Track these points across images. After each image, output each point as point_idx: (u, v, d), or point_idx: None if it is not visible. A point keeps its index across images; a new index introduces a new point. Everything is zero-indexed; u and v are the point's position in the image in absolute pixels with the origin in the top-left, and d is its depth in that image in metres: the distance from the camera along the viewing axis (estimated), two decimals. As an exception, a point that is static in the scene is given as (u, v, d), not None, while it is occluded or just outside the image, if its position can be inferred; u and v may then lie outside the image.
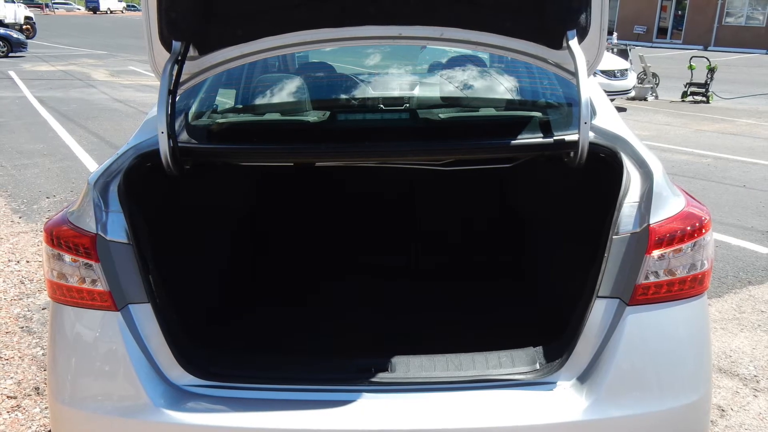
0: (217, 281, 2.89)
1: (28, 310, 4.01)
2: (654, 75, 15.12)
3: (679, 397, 1.87)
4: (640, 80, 14.77)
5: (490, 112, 2.65)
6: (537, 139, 2.23)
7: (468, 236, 3.47)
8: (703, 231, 1.90)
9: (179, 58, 2.16)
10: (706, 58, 14.86)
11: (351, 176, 3.38)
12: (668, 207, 1.90)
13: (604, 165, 2.16)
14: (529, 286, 3.08)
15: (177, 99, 2.21)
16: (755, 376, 3.42)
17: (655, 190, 1.91)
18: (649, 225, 1.86)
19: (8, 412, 3.02)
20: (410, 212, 3.46)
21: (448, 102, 2.81)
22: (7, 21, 26.95)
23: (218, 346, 2.39)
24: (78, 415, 1.92)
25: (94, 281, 1.90)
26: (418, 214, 3.47)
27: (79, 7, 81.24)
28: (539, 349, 2.06)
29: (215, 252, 2.90)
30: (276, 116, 2.68)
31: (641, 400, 1.84)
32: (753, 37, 32.81)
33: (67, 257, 1.93)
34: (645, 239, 1.85)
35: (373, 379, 1.93)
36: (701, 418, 1.95)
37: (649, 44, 34.20)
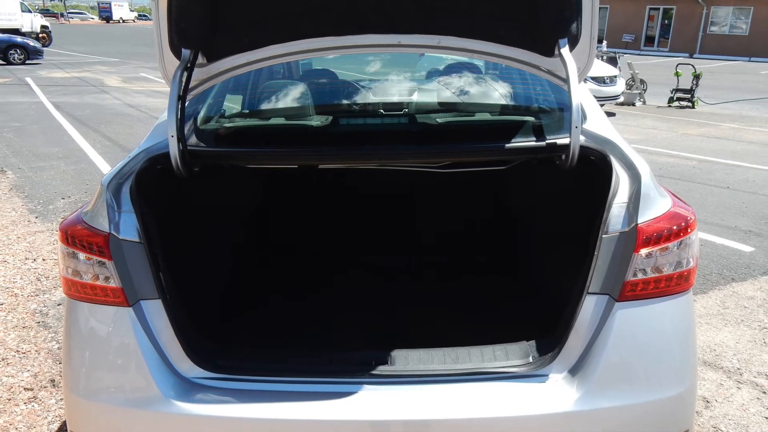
0: (225, 278, 2.89)
1: (44, 306, 4.01)
2: (642, 81, 15.13)
3: (665, 389, 1.87)
4: (629, 86, 14.77)
5: (485, 116, 2.65)
6: (530, 142, 2.23)
7: (464, 235, 3.46)
8: (689, 230, 1.90)
9: (188, 65, 2.16)
10: (692, 65, 14.86)
11: (352, 178, 3.38)
12: (655, 207, 1.90)
13: (594, 167, 2.15)
14: (522, 284, 3.08)
15: (186, 104, 2.21)
16: (738, 368, 3.42)
17: (642, 191, 1.91)
18: (637, 224, 1.86)
19: (25, 403, 3.02)
20: (409, 212, 3.46)
21: (445, 107, 2.81)
22: (24, 30, 26.97)
23: (226, 340, 2.39)
24: (92, 406, 1.92)
25: (107, 278, 1.90)
26: (417, 214, 3.47)
27: (92, 16, 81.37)
28: (532, 343, 2.06)
29: (222, 250, 2.90)
30: (281, 121, 2.68)
31: (630, 392, 1.84)
32: (736, 45, 32.82)
33: (82, 255, 1.93)
34: (633, 238, 1.85)
35: (374, 372, 1.93)
36: (687, 408, 1.95)
37: (637, 52, 34.16)
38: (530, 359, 1.98)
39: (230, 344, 2.35)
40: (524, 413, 1.81)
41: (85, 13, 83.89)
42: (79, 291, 1.95)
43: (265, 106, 2.87)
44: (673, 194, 2.06)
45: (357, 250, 3.41)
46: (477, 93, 2.96)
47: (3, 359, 3.39)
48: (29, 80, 17.03)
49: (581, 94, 2.22)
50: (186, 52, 2.16)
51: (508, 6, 2.22)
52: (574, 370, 1.88)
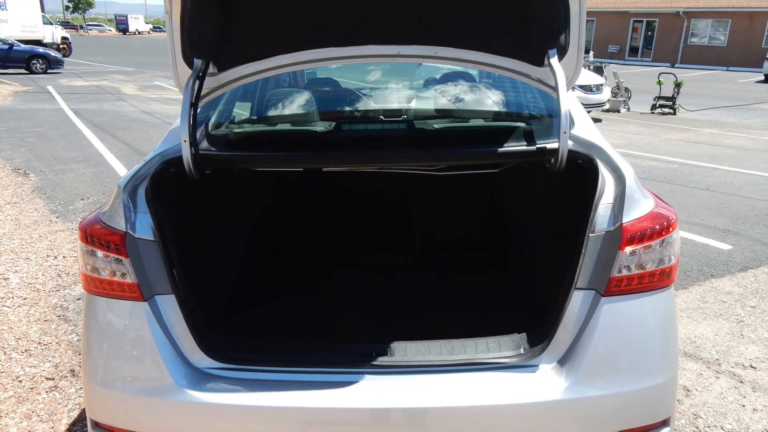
0: (234, 275, 2.89)
1: (65, 301, 4.01)
2: (626, 89, 15.12)
3: (648, 379, 1.87)
4: (614, 94, 14.78)
5: (479, 122, 2.65)
6: (521, 147, 2.23)
7: (460, 234, 3.46)
8: (671, 229, 1.90)
9: (200, 74, 2.16)
10: (673, 75, 14.87)
11: (354, 180, 3.38)
12: (639, 208, 1.90)
13: (582, 170, 2.15)
14: (514, 280, 3.08)
15: (198, 111, 2.21)
16: (717, 359, 3.42)
17: (627, 193, 1.91)
18: (622, 224, 1.86)
19: (47, 392, 3.02)
20: (408, 213, 3.46)
21: (441, 114, 2.81)
22: (45, 41, 27.00)
23: (235, 333, 2.39)
24: (109, 394, 1.92)
25: (123, 274, 1.90)
26: (415, 214, 3.47)
27: (110, 28, 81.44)
28: (523, 335, 2.06)
29: (231, 249, 2.90)
30: (287, 126, 2.68)
31: (615, 381, 1.84)
32: (715, 55, 32.86)
33: (100, 253, 1.93)
34: (618, 237, 1.85)
35: (374, 362, 1.93)
36: (669, 397, 1.95)
37: (622, 62, 34.19)
38: (521, 351, 1.98)
39: (239, 337, 2.35)
40: (516, 401, 1.81)
41: (103, 26, 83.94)
42: (97, 286, 1.95)
43: (272, 113, 2.87)
44: (655, 195, 2.05)
45: (358, 248, 3.41)
46: (471, 100, 2.96)
47: (26, 350, 3.39)
48: (50, 88, 17.02)
49: (569, 102, 2.22)
50: (198, 62, 2.16)
51: (501, 19, 2.22)
52: (562, 361, 1.88)
